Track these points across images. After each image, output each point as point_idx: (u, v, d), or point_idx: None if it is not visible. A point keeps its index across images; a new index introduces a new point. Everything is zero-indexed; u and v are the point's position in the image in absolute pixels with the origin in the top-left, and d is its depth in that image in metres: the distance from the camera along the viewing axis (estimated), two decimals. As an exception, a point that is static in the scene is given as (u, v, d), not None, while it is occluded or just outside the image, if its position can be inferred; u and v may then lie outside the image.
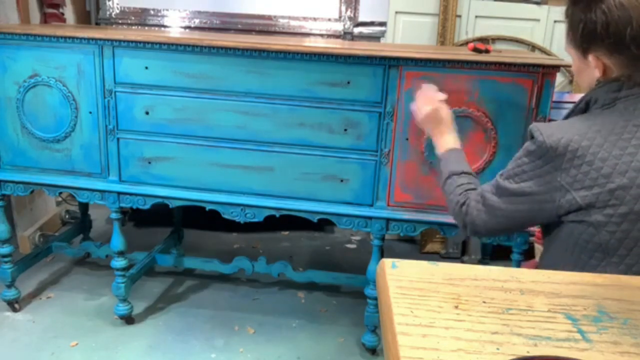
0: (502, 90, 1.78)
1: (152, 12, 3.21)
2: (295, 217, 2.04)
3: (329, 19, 3.14)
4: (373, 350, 2.18)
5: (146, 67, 1.93)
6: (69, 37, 1.94)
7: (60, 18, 3.04)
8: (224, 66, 1.89)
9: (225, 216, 2.05)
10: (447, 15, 2.87)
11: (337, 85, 1.85)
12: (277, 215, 2.03)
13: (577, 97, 1.26)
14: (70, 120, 2.02)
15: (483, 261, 2.48)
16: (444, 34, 2.89)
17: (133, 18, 3.21)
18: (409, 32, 2.97)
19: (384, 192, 1.93)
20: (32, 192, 2.19)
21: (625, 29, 1.08)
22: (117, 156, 2.04)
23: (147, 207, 2.09)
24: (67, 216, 3.20)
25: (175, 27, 3.20)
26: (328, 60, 1.83)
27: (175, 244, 2.77)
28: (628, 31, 1.08)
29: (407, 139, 1.86)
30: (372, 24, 3.14)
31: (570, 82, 2.91)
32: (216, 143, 1.97)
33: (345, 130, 1.89)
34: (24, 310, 2.37)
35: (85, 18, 3.34)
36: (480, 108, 1.80)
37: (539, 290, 0.80)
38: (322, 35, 3.14)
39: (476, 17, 2.91)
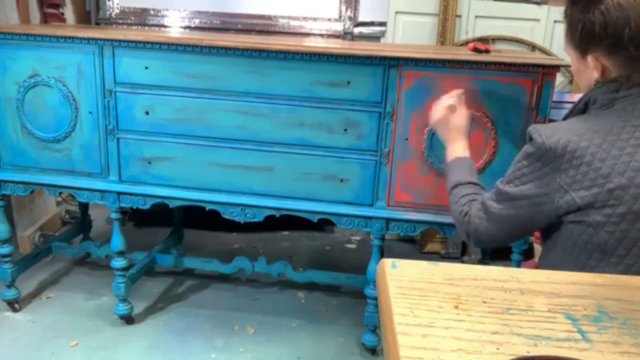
0: (502, 90, 1.78)
1: (152, 12, 3.21)
2: (295, 217, 2.04)
3: (329, 19, 3.14)
4: (373, 350, 2.18)
5: (146, 67, 1.94)
6: (69, 37, 1.94)
7: (60, 18, 3.04)
8: (224, 66, 1.89)
9: (225, 216, 2.05)
10: (447, 15, 2.87)
11: (337, 85, 1.85)
12: (277, 215, 2.03)
13: (577, 97, 1.26)
14: (70, 120, 2.02)
15: (483, 261, 2.48)
16: (444, 34, 2.89)
17: (133, 18, 3.21)
18: (409, 32, 2.97)
19: (384, 192, 1.93)
20: (32, 192, 2.19)
21: (623, 30, 1.08)
22: (117, 156, 2.04)
23: (147, 207, 2.09)
24: (67, 216, 3.20)
25: (175, 27, 3.20)
26: (328, 60, 1.83)
27: (175, 244, 2.77)
28: (626, 32, 1.08)
29: (407, 139, 1.86)
30: (372, 24, 3.14)
31: (570, 82, 2.91)
32: (216, 143, 1.97)
33: (345, 130, 1.89)
34: (24, 310, 2.37)
35: (85, 18, 3.34)
36: (480, 108, 1.80)
37: (539, 290, 0.80)
38: (322, 35, 3.14)
39: (476, 17, 2.91)
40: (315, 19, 3.14)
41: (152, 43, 1.90)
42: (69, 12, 3.20)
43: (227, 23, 3.16)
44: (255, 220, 2.04)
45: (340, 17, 3.14)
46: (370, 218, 1.96)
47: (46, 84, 1.99)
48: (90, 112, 2.01)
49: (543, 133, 1.13)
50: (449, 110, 1.55)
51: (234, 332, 2.29)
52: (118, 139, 2.02)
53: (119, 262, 2.19)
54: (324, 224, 3.29)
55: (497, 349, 0.66)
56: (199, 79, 1.92)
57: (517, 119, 1.79)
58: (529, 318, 0.73)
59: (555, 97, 2.20)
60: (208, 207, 2.05)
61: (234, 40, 1.90)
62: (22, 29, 2.05)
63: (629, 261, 1.09)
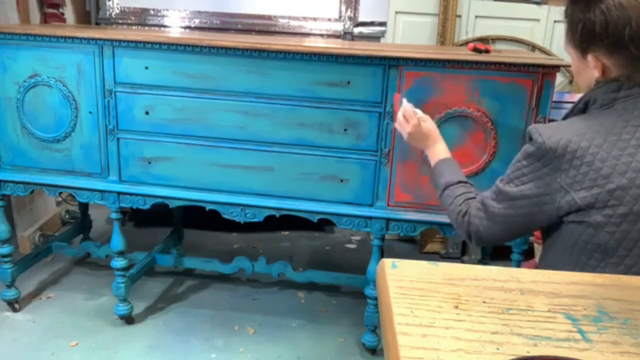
0: (502, 90, 1.78)
1: (152, 12, 3.21)
2: (295, 217, 2.04)
3: (329, 19, 3.14)
4: (373, 350, 2.18)
5: (146, 67, 1.94)
6: (69, 37, 1.94)
7: (60, 18, 3.04)
8: (224, 66, 1.89)
9: (225, 216, 2.05)
10: (447, 15, 2.87)
11: (337, 85, 1.85)
12: (277, 215, 2.03)
13: (577, 97, 1.25)
14: (70, 120, 2.02)
15: (483, 261, 2.48)
16: (444, 34, 2.89)
17: (133, 18, 3.21)
18: (409, 32, 2.97)
19: (384, 192, 1.93)
20: (32, 192, 2.19)
21: (624, 29, 1.08)
22: (117, 156, 2.04)
23: (147, 207, 2.09)
24: (67, 216, 3.20)
25: (175, 27, 3.20)
26: (328, 60, 1.83)
27: (175, 244, 2.77)
28: (627, 31, 1.08)
29: (407, 139, 1.86)
30: (372, 24, 3.14)
31: (570, 82, 2.91)
32: (216, 143, 1.97)
33: (345, 130, 1.89)
34: (24, 310, 2.37)
35: (85, 18, 3.34)
36: (480, 108, 1.80)
37: (539, 290, 0.80)
38: (322, 35, 3.14)
39: (476, 17, 2.91)
40: (315, 19, 3.14)
41: (152, 43, 1.90)
42: (69, 12, 3.20)
43: (227, 23, 3.16)
44: (255, 220, 2.04)
45: (340, 17, 3.14)
46: (370, 218, 1.96)
47: (46, 84, 1.99)
48: (90, 112, 2.01)
49: (543, 133, 1.13)
50: (412, 121, 1.55)
51: (234, 332, 2.29)
52: (118, 139, 2.02)
53: (119, 262, 2.19)
54: (324, 224, 3.29)
55: (497, 349, 0.66)
56: (199, 79, 1.92)
57: (517, 119, 1.79)
58: (529, 318, 0.73)
59: (555, 97, 2.20)
60: (208, 207, 2.05)
61: (234, 40, 1.90)
62: (22, 29, 2.05)
63: (630, 262, 1.09)
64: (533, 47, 2.88)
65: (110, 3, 3.18)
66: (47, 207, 3.07)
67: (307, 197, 1.98)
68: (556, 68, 1.76)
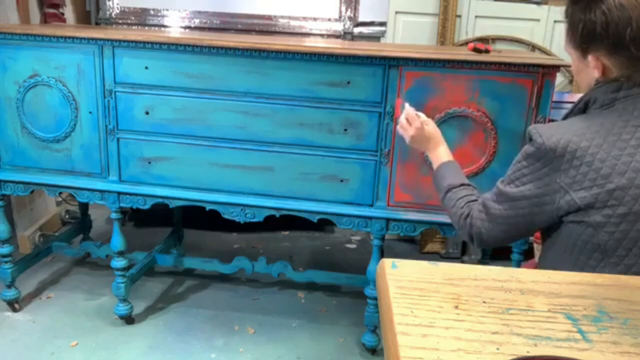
0: (502, 90, 1.78)
1: (152, 12, 3.21)
2: (295, 217, 2.04)
3: (329, 19, 3.14)
4: (373, 350, 2.18)
5: (146, 67, 1.94)
6: (69, 37, 1.94)
7: (60, 18, 3.04)
8: (224, 66, 1.89)
9: (225, 216, 2.05)
10: (447, 15, 2.87)
11: (337, 85, 1.85)
12: (277, 215, 2.03)
13: (577, 97, 1.25)
14: (70, 120, 2.02)
15: (483, 261, 2.48)
16: (444, 34, 2.89)
17: (133, 18, 3.21)
18: (409, 32, 2.97)
19: (384, 192, 1.93)
20: (32, 192, 2.19)
21: (625, 30, 1.08)
22: (117, 156, 2.04)
23: (147, 207, 2.09)
24: (67, 216, 3.20)
25: (175, 27, 3.20)
26: (328, 60, 1.83)
27: (175, 244, 2.77)
28: (628, 32, 1.08)
29: (407, 139, 1.86)
30: (372, 24, 3.14)
31: (570, 82, 2.91)
32: (216, 143, 1.97)
33: (345, 130, 1.89)
34: (24, 310, 2.37)
35: (85, 18, 3.34)
36: (480, 108, 1.80)
37: (539, 290, 0.80)
38: (322, 35, 3.14)
39: (476, 17, 2.91)
40: (315, 19, 3.14)
41: (152, 43, 1.90)
42: (69, 12, 3.20)
43: (227, 23, 3.16)
44: (255, 220, 2.04)
45: (340, 17, 3.14)
46: (370, 218, 1.96)
47: (46, 84, 1.99)
48: (90, 112, 2.01)
49: (543, 133, 1.13)
50: (415, 124, 1.56)
51: (234, 332, 2.29)
52: (118, 139, 2.02)
53: (119, 262, 2.19)
54: (324, 224, 3.29)
55: (497, 349, 0.66)
56: (199, 79, 1.92)
57: (517, 119, 1.79)
58: (529, 318, 0.73)
59: (555, 97, 2.20)
60: (208, 207, 2.05)
61: (234, 40, 1.90)
62: (22, 29, 2.05)
63: (629, 262, 1.09)
64: (533, 47, 2.88)
65: (110, 3, 3.18)
66: (47, 207, 3.07)
67: (307, 197, 1.98)
68: (556, 68, 1.76)
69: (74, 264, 2.77)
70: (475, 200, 1.31)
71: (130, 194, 2.07)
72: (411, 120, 1.58)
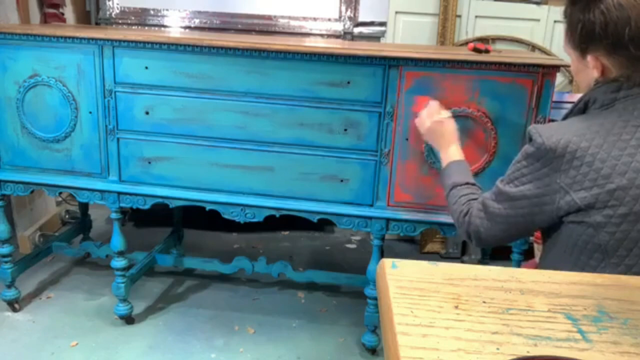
0: (502, 90, 1.78)
1: (152, 12, 3.21)
2: (295, 217, 2.04)
3: (329, 19, 3.14)
4: (373, 350, 2.18)
5: (146, 67, 1.93)
6: (69, 37, 1.94)
7: (60, 18, 3.04)
8: (224, 66, 1.89)
9: (225, 216, 2.05)
10: (447, 15, 2.87)
11: (337, 85, 1.85)
12: (277, 215, 2.03)
13: (577, 97, 1.26)
14: (70, 120, 2.02)
15: (483, 261, 2.48)
16: (444, 34, 2.89)
17: (133, 18, 3.21)
18: (409, 32, 2.97)
19: (384, 192, 1.93)
20: (32, 192, 2.19)
21: (623, 30, 1.08)
22: (117, 156, 2.04)
23: (147, 207, 2.09)
24: (67, 216, 3.20)
25: (175, 27, 3.20)
26: (328, 60, 1.83)
27: (175, 244, 2.77)
28: (626, 31, 1.08)
29: (407, 139, 1.86)
30: (372, 24, 3.14)
31: (570, 82, 2.91)
32: (216, 143, 1.97)
33: (345, 130, 1.89)
34: (24, 310, 2.37)
35: (85, 18, 3.34)
36: (480, 108, 1.80)
37: (539, 290, 0.80)
38: (322, 35, 3.14)
39: (476, 17, 2.91)
40: (315, 19, 3.14)
41: (152, 43, 1.90)
42: (69, 12, 3.20)
43: (227, 23, 3.16)
44: (255, 220, 2.04)
45: (340, 17, 3.14)
46: (370, 218, 1.96)
47: (46, 84, 1.99)
48: (90, 112, 2.01)
49: (543, 133, 1.13)
50: (435, 117, 1.57)
51: (234, 332, 2.29)
52: (118, 139, 2.02)
53: (119, 262, 2.19)
54: (324, 224, 3.29)
55: (497, 349, 0.66)
56: (199, 79, 1.92)
57: (517, 119, 1.79)
58: (529, 318, 0.73)
59: (555, 97, 2.20)
60: (208, 207, 2.05)
61: (234, 40, 1.90)
62: (22, 29, 2.05)
63: (630, 262, 1.09)
64: (533, 47, 2.88)
65: (110, 3, 3.18)
66: (47, 207, 3.07)
67: (307, 197, 1.98)
68: (556, 68, 1.76)
69: (74, 264, 2.77)
70: (477, 199, 1.32)
71: (130, 194, 2.07)
72: (432, 113, 1.59)
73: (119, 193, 2.07)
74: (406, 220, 1.94)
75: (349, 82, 1.84)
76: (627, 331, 0.71)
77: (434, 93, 1.80)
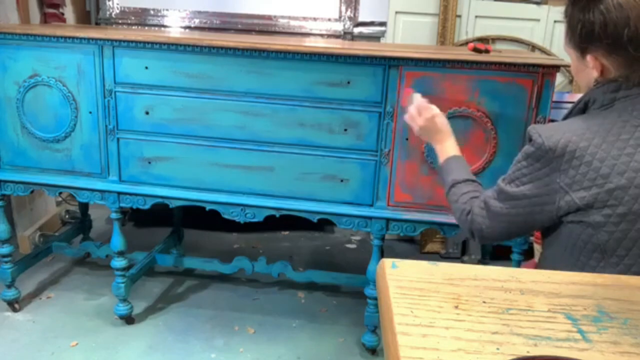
0: (502, 90, 1.78)
1: (152, 12, 3.21)
2: (295, 217, 2.04)
3: (329, 19, 3.14)
4: (373, 350, 2.18)
5: (146, 67, 1.94)
6: (69, 37, 1.94)
7: (60, 18, 3.04)
8: (224, 66, 1.89)
9: (225, 216, 2.05)
10: (447, 15, 2.87)
11: (337, 85, 1.85)
12: (277, 215, 2.03)
13: (577, 97, 1.26)
14: (70, 120, 2.02)
15: (483, 261, 2.48)
16: (444, 34, 2.89)
17: (133, 18, 3.21)
18: (409, 32, 2.97)
19: (384, 192, 1.93)
20: (32, 192, 2.19)
21: (623, 30, 1.08)
22: (117, 156, 2.04)
23: (147, 207, 2.09)
24: (67, 216, 3.20)
25: (175, 27, 3.20)
26: (328, 60, 1.83)
27: (175, 244, 2.77)
28: (626, 32, 1.08)
29: (407, 139, 1.86)
30: (372, 24, 3.14)
31: (570, 82, 2.91)
32: (216, 143, 1.97)
33: (345, 130, 1.89)
34: (24, 310, 2.37)
35: (85, 18, 3.34)
36: (480, 108, 1.80)
37: (539, 290, 0.80)
38: (322, 35, 3.14)
39: (476, 17, 2.91)
40: (315, 19, 3.14)
41: (152, 43, 1.90)
42: (69, 12, 3.20)
43: (227, 23, 3.16)
44: (255, 220, 2.04)
45: (340, 17, 3.14)
46: (370, 218, 1.96)
47: (46, 84, 1.99)
48: (90, 112, 2.01)
49: (543, 133, 1.13)
50: (426, 114, 1.55)
51: (234, 332, 2.29)
52: (118, 139, 2.02)
53: (119, 262, 2.19)
54: (324, 224, 3.29)
55: (497, 349, 0.66)
56: (199, 79, 1.92)
57: (517, 119, 1.79)
58: (529, 318, 0.73)
59: (555, 97, 2.20)
60: (208, 207, 2.05)
61: (234, 40, 1.90)
62: (22, 29, 2.05)
63: (629, 261, 1.09)
64: (533, 47, 2.88)
65: (110, 3, 3.18)
66: (47, 207, 3.07)
67: (307, 197, 1.98)
68: (556, 68, 1.76)
69: (74, 264, 2.77)
70: (478, 196, 1.32)
71: (130, 194, 2.07)
72: (422, 110, 1.57)
73: (119, 193, 2.07)
74: (406, 220, 1.94)
75: (349, 82, 1.84)
76: (627, 331, 0.71)
77: (434, 93, 1.80)
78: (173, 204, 2.08)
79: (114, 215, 2.13)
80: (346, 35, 3.12)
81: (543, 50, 2.88)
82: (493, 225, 1.24)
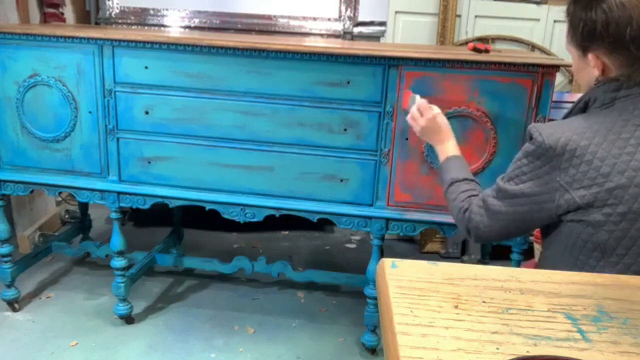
0: (502, 90, 1.78)
1: (152, 12, 3.21)
2: (295, 217, 2.04)
3: (329, 19, 3.14)
4: (373, 350, 2.18)
5: (146, 67, 1.94)
6: (69, 37, 1.94)
7: (60, 18, 3.04)
8: (224, 66, 1.89)
9: (225, 216, 2.05)
10: (447, 15, 2.87)
11: (337, 85, 1.85)
12: (277, 215, 2.03)
13: (577, 97, 1.26)
14: (70, 120, 2.02)
15: (483, 261, 2.48)
16: (444, 34, 2.89)
17: (133, 18, 3.21)
18: (409, 32, 2.97)
19: (384, 192, 1.93)
20: (32, 192, 2.19)
21: (625, 29, 1.08)
22: (117, 156, 2.04)
23: (147, 207, 2.09)
24: (67, 216, 3.20)
25: (175, 27, 3.20)
26: (328, 60, 1.83)
27: (175, 244, 2.77)
28: (628, 31, 1.08)
29: (407, 139, 1.86)
30: (372, 24, 3.14)
31: (570, 82, 2.91)
32: (216, 143, 1.97)
33: (345, 130, 1.89)
34: (24, 310, 2.37)
35: (85, 18, 3.34)
36: (480, 108, 1.80)
37: (539, 290, 0.80)
38: (322, 35, 3.14)
39: (476, 17, 2.91)
40: (315, 19, 3.14)
41: (152, 43, 1.90)
42: (69, 12, 3.20)
43: (227, 23, 3.16)
44: (255, 220, 2.04)
45: (340, 17, 3.14)
46: (370, 218, 1.96)
47: (46, 84, 1.99)
48: (90, 112, 2.01)
49: (543, 132, 1.13)
50: (427, 115, 1.56)
51: (234, 332, 2.29)
52: (118, 139, 2.02)
53: (119, 262, 2.19)
54: (324, 224, 3.29)
55: (497, 349, 0.66)
56: (199, 79, 1.92)
57: (517, 119, 1.79)
58: (529, 318, 0.73)
59: (555, 97, 2.20)
60: (208, 207, 2.05)
61: (234, 40, 1.90)
62: (22, 29, 2.05)
63: (629, 261, 1.09)
64: (533, 47, 2.88)
65: (110, 3, 3.18)
66: (47, 207, 3.07)
67: (307, 197, 1.98)
68: (556, 68, 1.76)
69: (74, 264, 2.77)
70: (477, 195, 1.32)
71: (130, 194, 2.07)
72: (423, 111, 1.58)
73: (119, 193, 2.07)
74: (406, 220, 1.94)
75: (349, 82, 1.84)
76: (627, 331, 0.71)
77: (434, 93, 1.80)
78: (173, 204, 2.08)
79: (114, 215, 2.13)
80: (346, 35, 3.12)
81: (543, 50, 2.87)
82: (491, 224, 1.24)
